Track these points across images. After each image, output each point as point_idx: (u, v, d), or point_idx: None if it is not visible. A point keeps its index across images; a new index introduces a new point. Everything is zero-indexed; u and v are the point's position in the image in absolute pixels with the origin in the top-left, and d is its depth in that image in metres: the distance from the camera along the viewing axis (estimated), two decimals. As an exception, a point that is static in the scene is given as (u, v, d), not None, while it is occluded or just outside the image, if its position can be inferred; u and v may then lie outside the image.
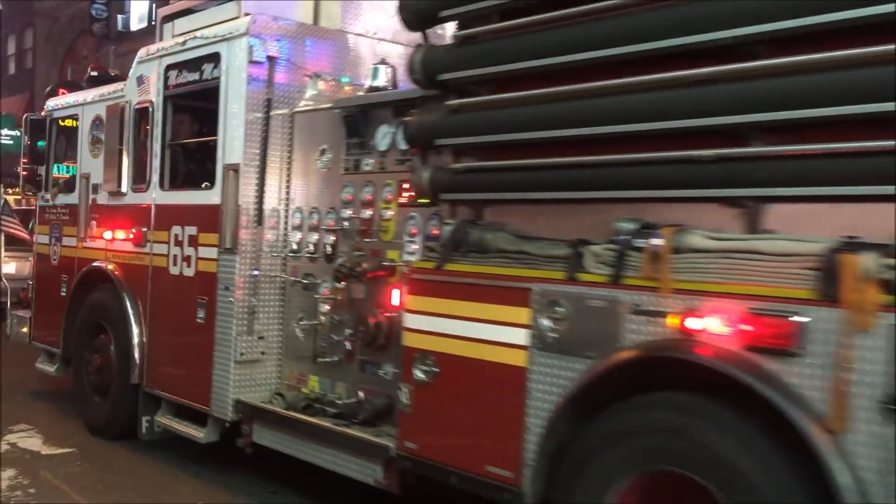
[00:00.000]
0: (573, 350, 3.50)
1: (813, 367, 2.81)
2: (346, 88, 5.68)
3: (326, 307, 5.16)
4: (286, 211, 5.55)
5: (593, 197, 3.67)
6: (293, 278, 5.43)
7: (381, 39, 5.93)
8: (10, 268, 9.83)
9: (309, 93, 5.66)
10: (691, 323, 3.12)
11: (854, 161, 2.95)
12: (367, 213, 4.97)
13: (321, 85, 5.66)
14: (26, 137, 7.85)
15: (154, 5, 28.11)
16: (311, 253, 5.32)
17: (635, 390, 3.32)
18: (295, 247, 5.45)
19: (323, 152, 5.31)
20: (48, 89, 8.42)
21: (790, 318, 2.86)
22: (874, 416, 2.67)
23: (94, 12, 29.30)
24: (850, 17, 2.85)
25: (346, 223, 5.08)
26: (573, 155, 3.69)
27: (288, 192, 5.55)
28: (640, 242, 3.33)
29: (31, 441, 6.66)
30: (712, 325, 3.07)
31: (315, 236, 5.32)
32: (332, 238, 5.19)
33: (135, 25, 29.42)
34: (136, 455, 6.28)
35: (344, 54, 5.81)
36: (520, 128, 3.85)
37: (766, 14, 3.05)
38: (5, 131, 15.66)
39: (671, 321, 3.18)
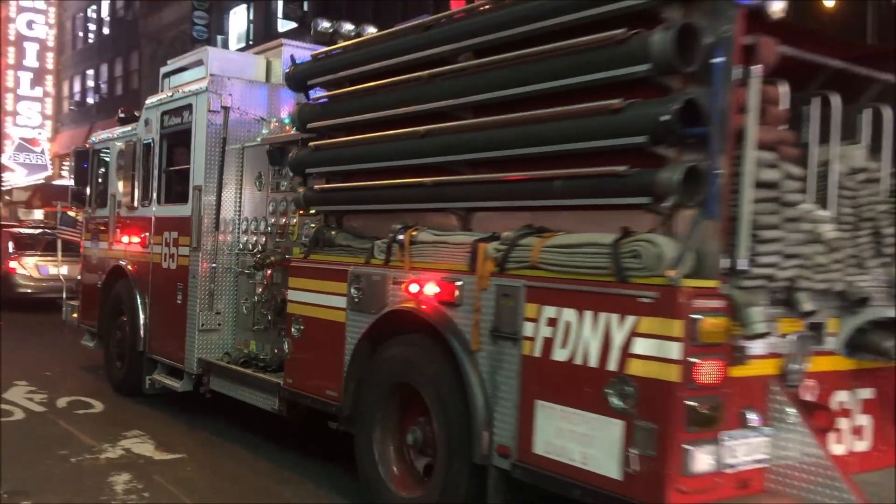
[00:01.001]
0: (365, 309, 5.40)
1: (464, 312, 4.64)
2: (287, 128, 7.69)
3: (259, 289, 7.18)
4: (238, 219, 7.60)
5: (384, 208, 5.59)
6: (241, 269, 7.48)
7: (315, 89, 7.91)
8: (64, 269, 12.45)
9: (263, 131, 7.68)
10: (413, 288, 4.98)
11: (511, 186, 4.75)
12: (283, 220, 6.97)
13: (273, 125, 7.69)
14: (74, 164, 10.22)
15: (252, 26, 30.77)
16: (251, 250, 7.36)
17: (396, 333, 5.19)
18: (241, 246, 7.51)
19: (259, 176, 7.35)
20: (116, 117, 10.65)
21: (455, 283, 4.70)
22: (489, 339, 4.48)
23: (195, 34, 31.55)
24: (515, 92, 4.63)
25: (269, 228, 7.11)
26: (380, 180, 5.61)
27: (240, 206, 7.61)
28: (397, 238, 5.21)
29: (143, 446, 7.01)
30: (424, 290, 4.92)
31: (255, 238, 7.37)
32: (263, 239, 7.22)
33: (233, 45, 31.37)
34: (245, 460, 6.75)
35: (285, 102, 7.81)
36: (347, 161, 5.80)
37: (466, 91, 4.90)
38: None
39: (405, 288, 5.05)
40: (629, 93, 3.92)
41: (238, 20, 31.76)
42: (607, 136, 3.96)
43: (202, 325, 7.47)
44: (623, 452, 3.73)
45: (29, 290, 16.45)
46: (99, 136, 10.12)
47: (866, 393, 4.38)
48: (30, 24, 47.67)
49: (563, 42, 4.14)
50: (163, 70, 8.79)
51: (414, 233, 5.12)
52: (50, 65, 48.62)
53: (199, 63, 7.92)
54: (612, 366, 3.80)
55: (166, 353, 8.07)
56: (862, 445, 4.39)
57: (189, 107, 7.77)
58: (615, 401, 3.78)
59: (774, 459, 3.89)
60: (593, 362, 3.90)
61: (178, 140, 8.12)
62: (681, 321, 3.56)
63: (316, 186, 6.14)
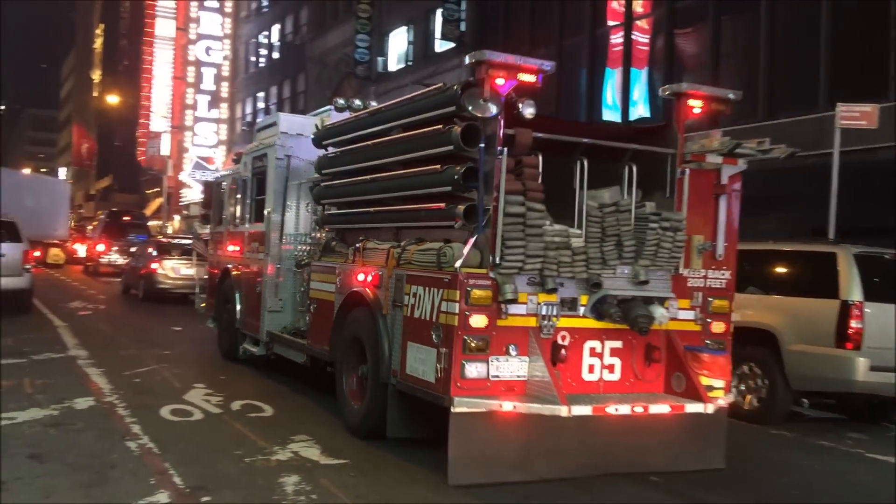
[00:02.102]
0: (341, 291, 8.50)
1: (382, 291, 7.64)
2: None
3: (304, 283, 10.44)
4: (296, 234, 10.90)
5: (358, 227, 8.70)
6: (296, 269, 10.77)
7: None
8: (192, 271, 16.51)
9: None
10: (361, 277, 8.04)
11: (407, 213, 7.71)
12: (318, 234, 10.20)
13: (324, 166, 10.95)
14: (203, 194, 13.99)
15: (412, 48, 32.89)
16: (301, 255, 10.64)
17: (353, 306, 8.26)
18: (297, 252, 10.80)
19: (308, 204, 10.64)
20: (232, 158, 14.44)
21: (379, 274, 7.73)
22: (391, 307, 7.45)
23: (357, 56, 33.78)
24: (402, 158, 7.63)
25: (310, 240, 10.38)
26: (355, 209, 8.73)
27: (297, 224, 10.91)
28: (356, 246, 8.29)
29: (310, 451, 7.36)
30: (367, 278, 7.97)
31: (305, 247, 10.64)
32: (308, 248, 10.48)
33: (393, 66, 33.71)
34: (406, 469, 7.05)
35: (331, 150, 11.05)
36: (339, 196, 8.97)
37: (387, 154, 7.92)
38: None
39: (357, 277, 8.12)
40: (451, 160, 6.84)
41: (398, 42, 33.85)
42: (437, 186, 6.91)
43: (270, 307, 10.82)
44: (436, 367, 6.62)
45: (166, 287, 21.18)
46: (221, 173, 13.82)
47: (615, 343, 7.03)
48: (207, 51, 52.94)
49: (419, 130, 7.13)
50: (256, 126, 12.31)
51: (366, 243, 8.22)
52: (225, 88, 53.52)
53: (275, 124, 11.33)
54: (434, 318, 6.70)
55: (251, 328, 11.50)
56: (612, 377, 7.05)
57: (265, 155, 11.19)
58: (434, 338, 6.67)
59: (531, 377, 6.64)
60: (428, 317, 6.80)
61: (260, 178, 11.54)
62: (459, 291, 6.43)
63: (326, 212, 9.35)
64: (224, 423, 8.41)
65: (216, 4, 53.08)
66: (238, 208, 12.36)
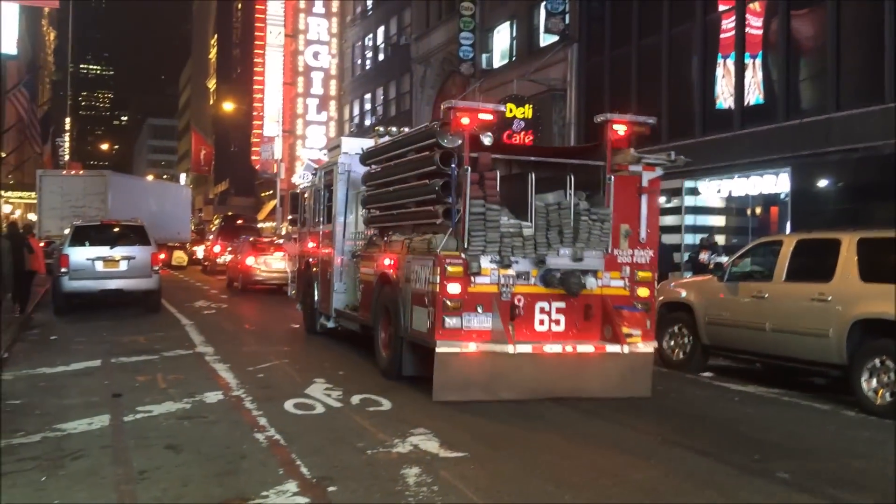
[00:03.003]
0: (376, 273, 11.81)
1: (400, 271, 10.90)
2: (383, 178, 14.28)
3: (361, 269, 13.82)
4: (355, 232, 14.27)
5: (388, 225, 12.00)
6: (353, 259, 14.14)
7: (399, 155, 14.41)
8: (284, 265, 20.40)
9: (373, 180, 14.33)
10: (387, 262, 11.33)
11: (415, 214, 10.94)
12: (367, 231, 13.54)
13: (378, 176, 14.33)
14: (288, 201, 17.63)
15: (514, 43, 33.41)
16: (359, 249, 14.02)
17: (384, 283, 11.55)
18: (354, 246, 14.18)
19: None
20: (313, 171, 18.05)
21: (397, 259, 10.98)
22: (405, 282, 10.70)
23: (461, 54, 34.45)
24: (410, 174, 10.87)
25: (363, 236, 13.75)
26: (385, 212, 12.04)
27: (356, 225, 14.28)
28: (384, 238, 11.60)
29: (429, 444, 7.60)
30: (390, 263, 11.25)
31: (361, 242, 14.01)
32: (363, 243, 13.84)
33: (497, 62, 34.37)
34: (526, 463, 7.22)
35: (382, 164, 14.39)
36: (374, 202, 12.30)
37: (402, 171, 11.19)
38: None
39: (384, 262, 11.41)
40: (435, 176, 10.01)
41: (501, 38, 34.68)
42: (426, 195, 10.12)
43: (336, 290, 14.25)
44: (428, 321, 9.81)
45: (261, 279, 25.57)
46: (301, 183, 17.43)
47: (560, 304, 10.04)
48: (315, 56, 55.77)
49: (415, 155, 10.38)
50: (327, 147, 15.82)
51: (391, 236, 11.52)
52: (333, 91, 56.15)
53: (339, 146, 14.77)
54: (426, 287, 9.90)
55: (324, 307, 14.98)
56: (558, 329, 10.06)
57: (332, 170, 14.64)
58: (427, 301, 9.86)
59: (493, 328, 9.70)
60: (423, 287, 9.99)
61: (330, 188, 14.99)
62: (440, 267, 9.60)
63: (370, 214, 12.72)
64: (345, 416, 8.89)
65: (322, 10, 55.78)
66: (314, 212, 15.89)
